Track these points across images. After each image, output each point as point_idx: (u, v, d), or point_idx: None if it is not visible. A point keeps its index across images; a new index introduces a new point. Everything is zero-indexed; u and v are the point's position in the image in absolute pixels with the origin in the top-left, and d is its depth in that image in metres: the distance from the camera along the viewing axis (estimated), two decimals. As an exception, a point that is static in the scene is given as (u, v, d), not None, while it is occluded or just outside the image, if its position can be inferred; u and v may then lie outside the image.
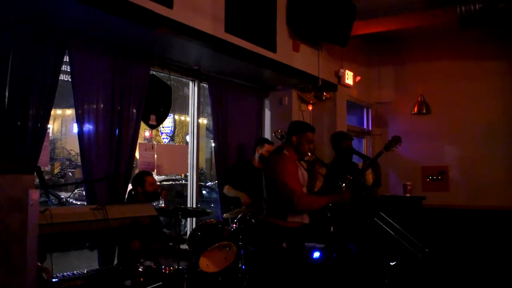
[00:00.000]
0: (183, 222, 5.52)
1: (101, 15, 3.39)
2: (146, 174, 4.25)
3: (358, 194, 4.38)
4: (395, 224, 5.12)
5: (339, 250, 4.44)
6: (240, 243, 4.09)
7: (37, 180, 2.94)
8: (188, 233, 5.07)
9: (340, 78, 6.56)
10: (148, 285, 3.33)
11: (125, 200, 4.26)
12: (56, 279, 2.85)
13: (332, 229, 4.21)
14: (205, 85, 5.47)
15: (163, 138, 20.24)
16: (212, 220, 4.32)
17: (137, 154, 4.61)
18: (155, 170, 4.84)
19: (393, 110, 7.63)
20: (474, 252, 5.92)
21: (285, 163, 3.54)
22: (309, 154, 3.65)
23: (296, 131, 3.67)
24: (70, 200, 9.98)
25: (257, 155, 5.11)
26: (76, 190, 10.52)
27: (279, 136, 4.79)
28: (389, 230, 4.99)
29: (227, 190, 5.05)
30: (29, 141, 3.51)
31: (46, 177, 3.64)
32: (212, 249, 3.83)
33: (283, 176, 3.47)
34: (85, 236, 3.01)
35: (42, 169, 3.24)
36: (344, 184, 3.98)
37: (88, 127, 4.07)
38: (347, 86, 6.71)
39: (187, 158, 5.34)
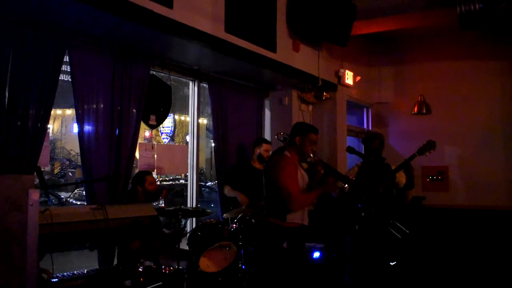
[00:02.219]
0: (183, 222, 5.52)
1: (101, 15, 3.39)
2: (146, 173, 4.25)
3: (388, 196, 4.32)
4: None
5: (359, 249, 4.36)
6: (240, 243, 4.10)
7: (37, 180, 2.94)
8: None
9: (340, 78, 6.55)
10: (148, 285, 3.33)
11: (124, 199, 4.26)
12: (56, 279, 2.85)
13: (357, 227, 4.15)
14: (205, 85, 5.46)
15: (163, 138, 20.25)
16: (212, 220, 4.32)
17: (137, 154, 4.61)
18: (155, 170, 4.85)
19: (393, 110, 7.63)
20: (474, 252, 5.92)
21: (285, 165, 3.54)
22: (312, 155, 3.67)
23: (299, 132, 3.68)
24: (70, 200, 10.00)
25: (255, 155, 5.12)
26: (76, 190, 10.53)
27: (281, 139, 4.77)
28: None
29: (227, 191, 5.06)
30: (29, 141, 3.51)
31: (46, 177, 3.64)
32: (212, 249, 3.84)
33: (282, 178, 3.48)
34: (85, 236, 3.02)
35: (42, 169, 3.24)
36: (346, 185, 3.97)
37: (88, 127, 4.07)
38: (347, 86, 6.70)
39: (187, 158, 5.33)
